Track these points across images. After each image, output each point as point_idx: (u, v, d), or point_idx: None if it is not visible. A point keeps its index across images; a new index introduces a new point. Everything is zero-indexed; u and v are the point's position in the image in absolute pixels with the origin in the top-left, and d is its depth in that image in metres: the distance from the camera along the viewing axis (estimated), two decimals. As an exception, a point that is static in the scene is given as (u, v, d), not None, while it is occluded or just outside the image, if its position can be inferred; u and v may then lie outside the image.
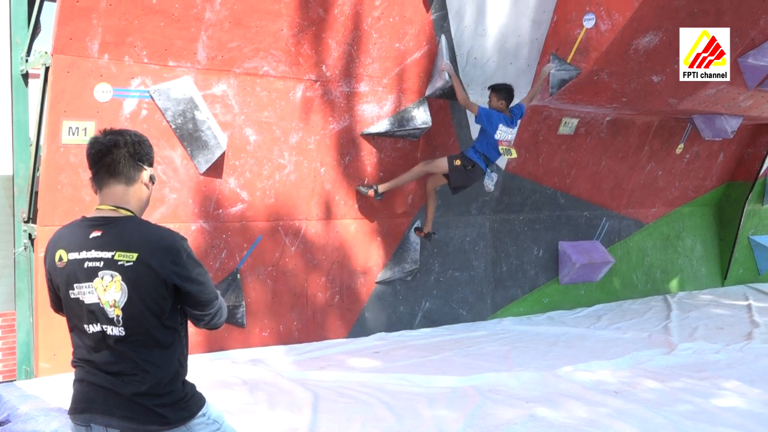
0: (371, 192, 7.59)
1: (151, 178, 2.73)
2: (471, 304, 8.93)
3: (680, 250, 11.90)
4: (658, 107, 9.25)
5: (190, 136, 6.51)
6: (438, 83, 7.66)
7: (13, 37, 6.66)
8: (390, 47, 7.40)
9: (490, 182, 7.63)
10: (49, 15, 6.38)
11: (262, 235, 7.16)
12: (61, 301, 2.70)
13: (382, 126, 7.62)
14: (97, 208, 2.67)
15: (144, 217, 2.73)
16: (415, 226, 8.20)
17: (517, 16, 7.92)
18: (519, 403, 5.59)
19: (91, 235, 2.59)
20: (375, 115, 7.59)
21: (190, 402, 2.67)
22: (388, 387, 5.98)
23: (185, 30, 6.26)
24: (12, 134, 6.73)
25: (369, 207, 7.86)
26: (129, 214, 2.65)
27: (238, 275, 7.00)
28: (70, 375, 2.82)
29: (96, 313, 2.56)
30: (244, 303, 7.02)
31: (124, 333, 2.55)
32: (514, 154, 7.73)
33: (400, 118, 7.67)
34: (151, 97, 6.31)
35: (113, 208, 2.64)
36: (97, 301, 2.55)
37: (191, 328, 2.77)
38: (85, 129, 6.02)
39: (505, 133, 7.44)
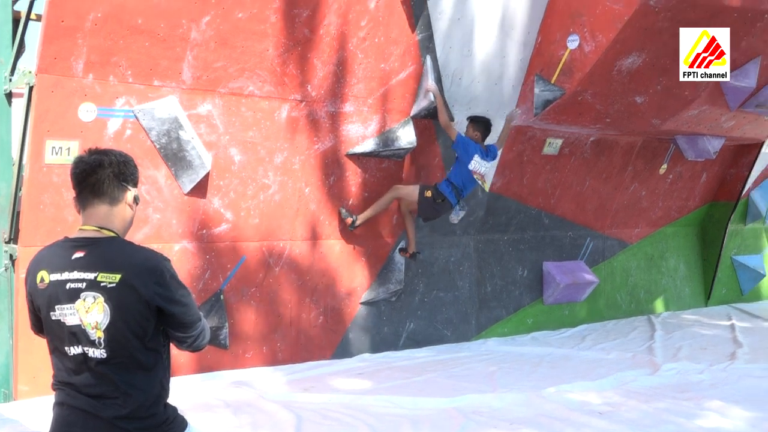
0: (349, 220, 7.58)
1: (135, 199, 2.71)
2: (455, 325, 8.91)
3: (664, 270, 11.94)
4: (642, 128, 9.32)
5: (174, 156, 6.49)
6: (423, 103, 7.69)
7: (-3, 56, 6.63)
8: (375, 67, 7.42)
9: (455, 217, 8.10)
10: (34, 34, 6.35)
11: (246, 255, 7.12)
12: (41, 323, 2.67)
13: (367, 146, 7.63)
14: (80, 229, 2.65)
15: (127, 237, 2.71)
16: (400, 246, 8.20)
17: (502, 37, 7.96)
18: (503, 425, 5.57)
19: (74, 256, 2.57)
20: (360, 135, 7.60)
21: (172, 425, 2.65)
22: (372, 409, 5.95)
23: (170, 50, 6.25)
24: (-6, 153, 6.68)
25: (354, 227, 7.85)
26: (112, 234, 2.63)
27: (222, 296, 6.96)
28: (50, 398, 2.78)
29: (78, 334, 2.53)
30: (227, 324, 6.97)
31: (105, 355, 2.53)
32: (486, 188, 7.89)
33: (385, 138, 7.69)
34: (136, 117, 6.29)
35: (96, 228, 2.62)
36: (79, 322, 2.53)
37: (173, 349, 2.74)
38: (69, 149, 5.98)
39: (479, 165, 7.61)
